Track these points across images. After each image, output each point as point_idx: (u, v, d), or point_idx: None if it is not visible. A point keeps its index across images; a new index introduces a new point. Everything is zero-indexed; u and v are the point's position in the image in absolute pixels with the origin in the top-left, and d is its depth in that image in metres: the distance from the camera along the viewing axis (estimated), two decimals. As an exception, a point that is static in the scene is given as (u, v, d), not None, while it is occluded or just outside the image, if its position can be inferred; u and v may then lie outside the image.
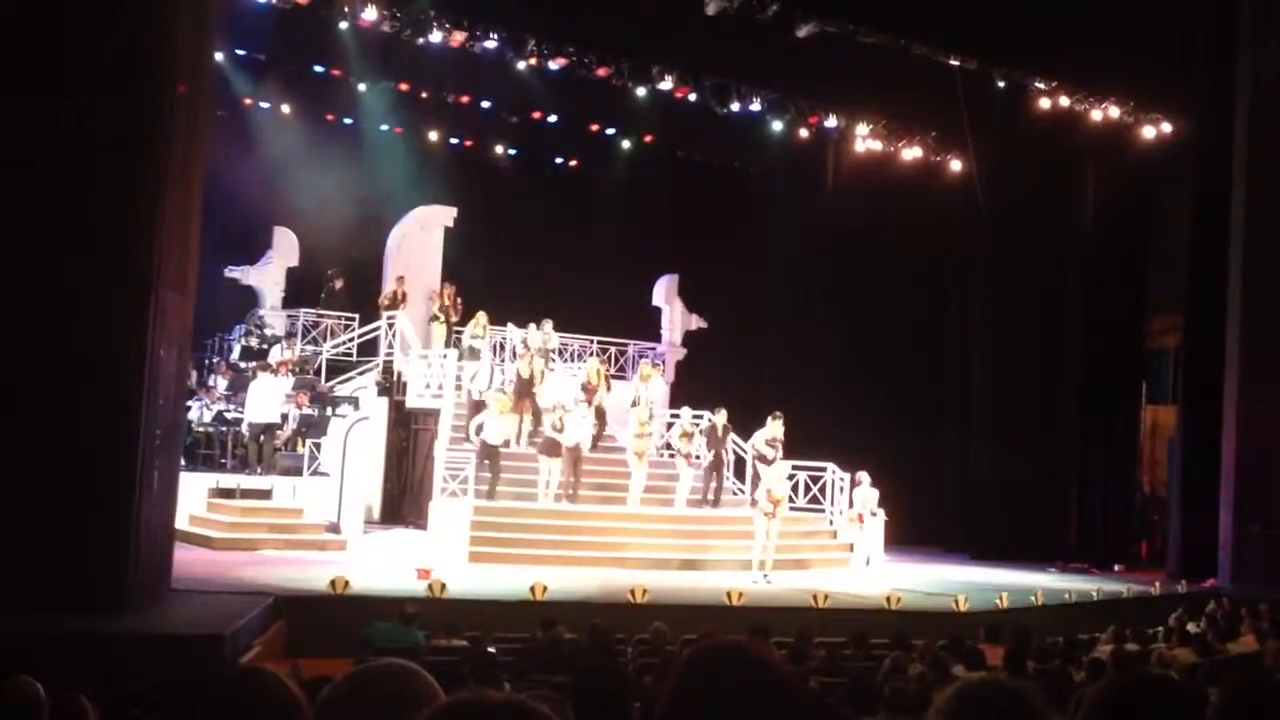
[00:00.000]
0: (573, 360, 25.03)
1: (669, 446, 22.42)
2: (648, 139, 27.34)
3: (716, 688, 2.36)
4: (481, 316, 23.18)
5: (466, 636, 12.04)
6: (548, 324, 23.89)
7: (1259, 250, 22.85)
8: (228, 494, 19.22)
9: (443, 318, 23.94)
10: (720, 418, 21.76)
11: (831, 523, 21.51)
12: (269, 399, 20.36)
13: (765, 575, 18.50)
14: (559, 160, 28.31)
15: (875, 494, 20.66)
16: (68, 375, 11.50)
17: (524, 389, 21.60)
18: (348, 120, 25.45)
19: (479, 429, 19.93)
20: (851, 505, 20.99)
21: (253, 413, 20.31)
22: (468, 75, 23.47)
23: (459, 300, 24.20)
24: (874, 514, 20.67)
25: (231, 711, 2.52)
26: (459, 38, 21.59)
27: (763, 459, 20.83)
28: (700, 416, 22.43)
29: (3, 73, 11.59)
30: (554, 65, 22.57)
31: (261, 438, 20.26)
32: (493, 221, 25.74)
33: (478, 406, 20.85)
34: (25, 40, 11.62)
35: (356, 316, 24.25)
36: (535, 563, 17.55)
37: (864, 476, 20.85)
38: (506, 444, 20.40)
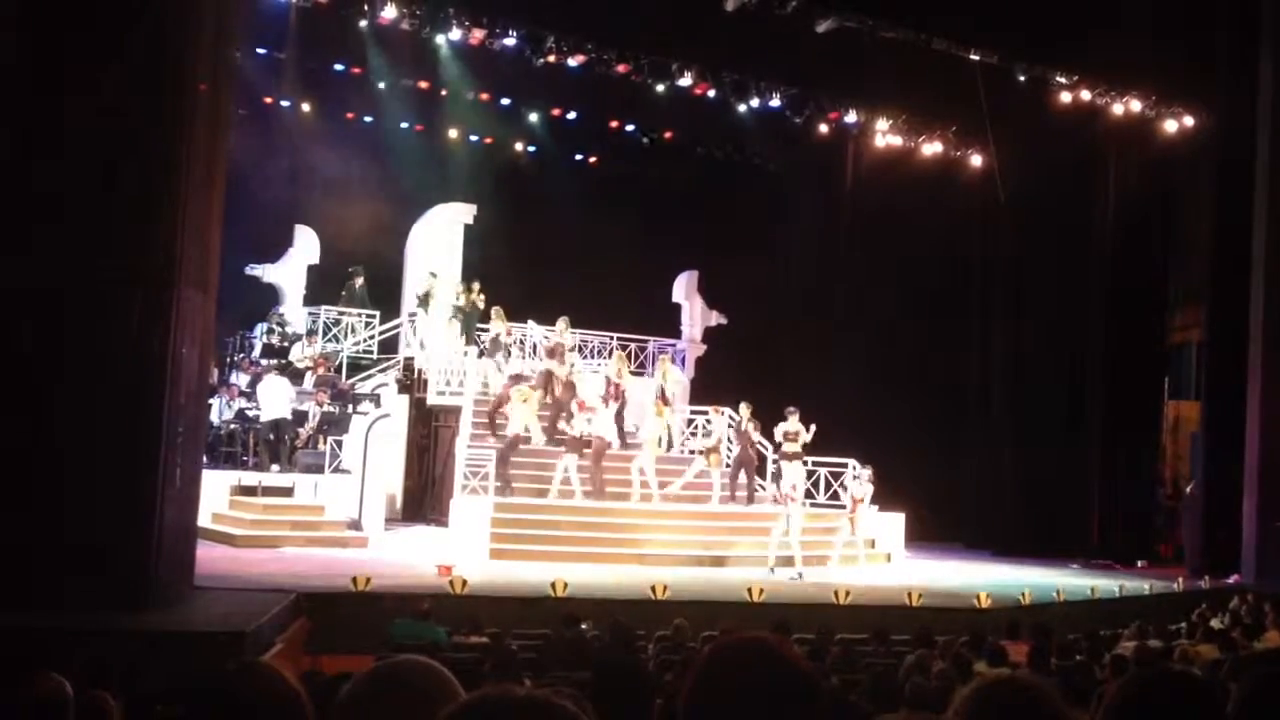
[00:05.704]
0: (593, 357, 25.05)
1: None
2: (667, 135, 27.35)
3: (737, 684, 2.36)
4: (497, 311, 23.20)
5: (488, 633, 12.07)
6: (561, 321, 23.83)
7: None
8: (250, 491, 19.30)
9: (464, 314, 24.00)
10: (744, 413, 21.76)
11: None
12: (276, 396, 20.43)
13: (799, 573, 18.48)
14: (579, 157, 28.35)
15: (869, 487, 20.46)
16: (91, 373, 11.55)
17: (547, 384, 21.64)
18: (368, 118, 25.52)
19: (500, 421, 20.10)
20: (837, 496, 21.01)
21: (264, 410, 20.42)
22: (487, 72, 23.50)
23: (484, 298, 24.20)
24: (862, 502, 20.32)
25: (231, 707, 2.53)
26: (478, 35, 21.64)
27: (785, 455, 20.84)
28: (722, 412, 22.44)
29: (25, 71, 11.64)
30: (573, 62, 22.59)
31: (271, 436, 20.32)
32: (512, 218, 25.78)
33: (500, 400, 20.93)
34: (47, 39, 11.67)
35: (377, 314, 24.33)
36: (556, 559, 17.60)
37: (861, 470, 20.80)
38: (528, 438, 20.49)
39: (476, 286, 24.47)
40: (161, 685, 7.69)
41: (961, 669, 8.88)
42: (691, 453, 22.46)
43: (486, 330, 23.53)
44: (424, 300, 23.98)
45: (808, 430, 20.98)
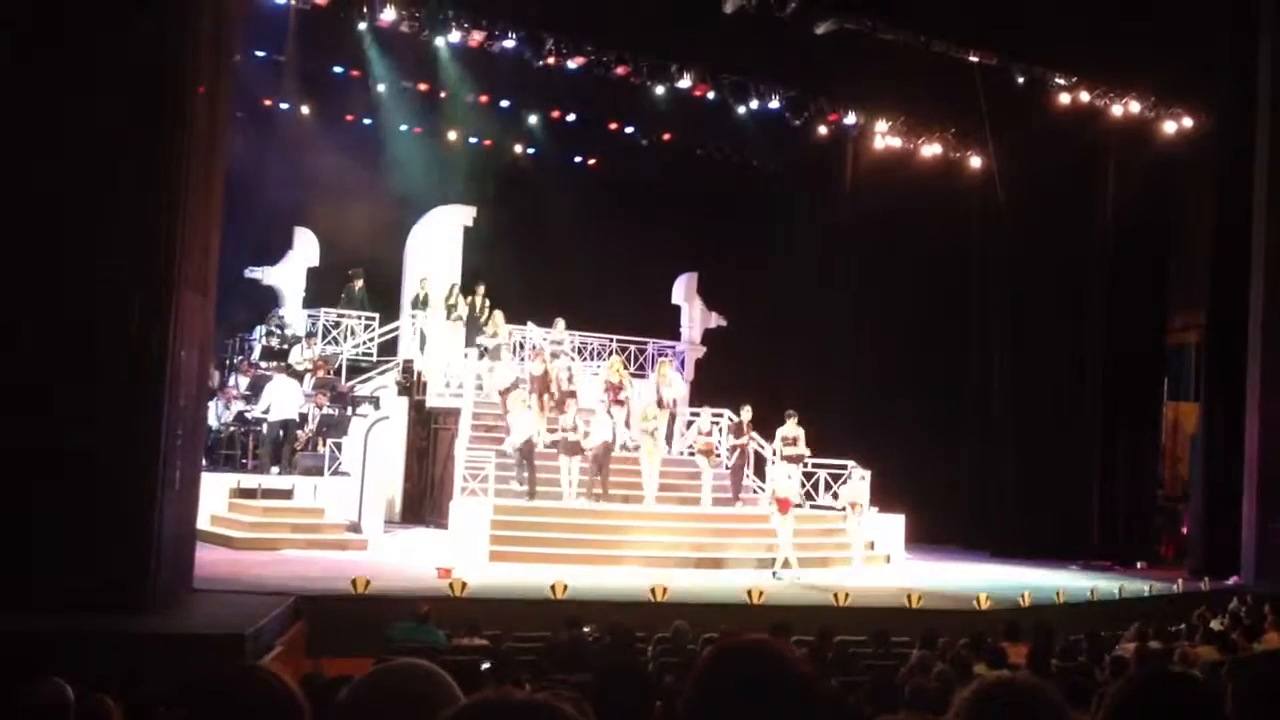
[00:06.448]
0: (593, 359, 25.06)
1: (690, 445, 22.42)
2: (666, 137, 27.34)
3: (738, 686, 2.37)
4: (498, 315, 23.23)
5: (487, 635, 12.06)
6: (559, 323, 23.89)
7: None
8: (249, 494, 19.28)
9: (465, 316, 24.04)
10: (745, 415, 21.78)
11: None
12: (285, 397, 20.44)
13: (775, 573, 18.51)
14: (578, 159, 28.33)
15: (864, 487, 20.52)
16: (91, 374, 11.55)
17: (541, 386, 21.67)
18: (367, 121, 25.49)
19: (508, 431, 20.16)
20: (837, 497, 21.03)
21: (271, 411, 20.41)
22: (486, 75, 23.49)
23: (487, 301, 24.26)
24: (859, 509, 20.34)
25: (229, 711, 2.53)
26: (478, 37, 21.64)
27: (786, 458, 20.86)
28: (720, 414, 22.49)
29: (24, 72, 11.64)
30: (572, 64, 22.59)
31: (280, 435, 20.33)
32: (512, 221, 25.77)
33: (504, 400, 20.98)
34: (46, 40, 11.67)
35: (376, 316, 24.29)
36: (556, 561, 17.58)
37: (855, 472, 20.83)
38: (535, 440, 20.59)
39: (481, 289, 24.51)
40: (161, 688, 7.69)
41: (961, 670, 8.88)
42: (692, 454, 22.43)
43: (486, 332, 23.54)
44: (420, 302, 24.00)
45: (804, 440, 21.01)
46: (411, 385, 23.09)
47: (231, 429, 20.71)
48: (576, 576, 15.98)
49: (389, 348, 23.94)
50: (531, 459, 20.14)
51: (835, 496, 21.48)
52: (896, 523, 21.98)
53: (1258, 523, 22.43)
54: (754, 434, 21.87)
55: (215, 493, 18.40)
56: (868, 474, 20.73)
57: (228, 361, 22.50)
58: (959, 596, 17.53)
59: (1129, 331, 25.51)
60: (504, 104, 25.61)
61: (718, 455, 21.92)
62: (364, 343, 23.99)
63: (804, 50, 22.16)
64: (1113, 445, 25.44)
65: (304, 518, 19.21)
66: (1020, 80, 23.63)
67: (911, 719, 7.04)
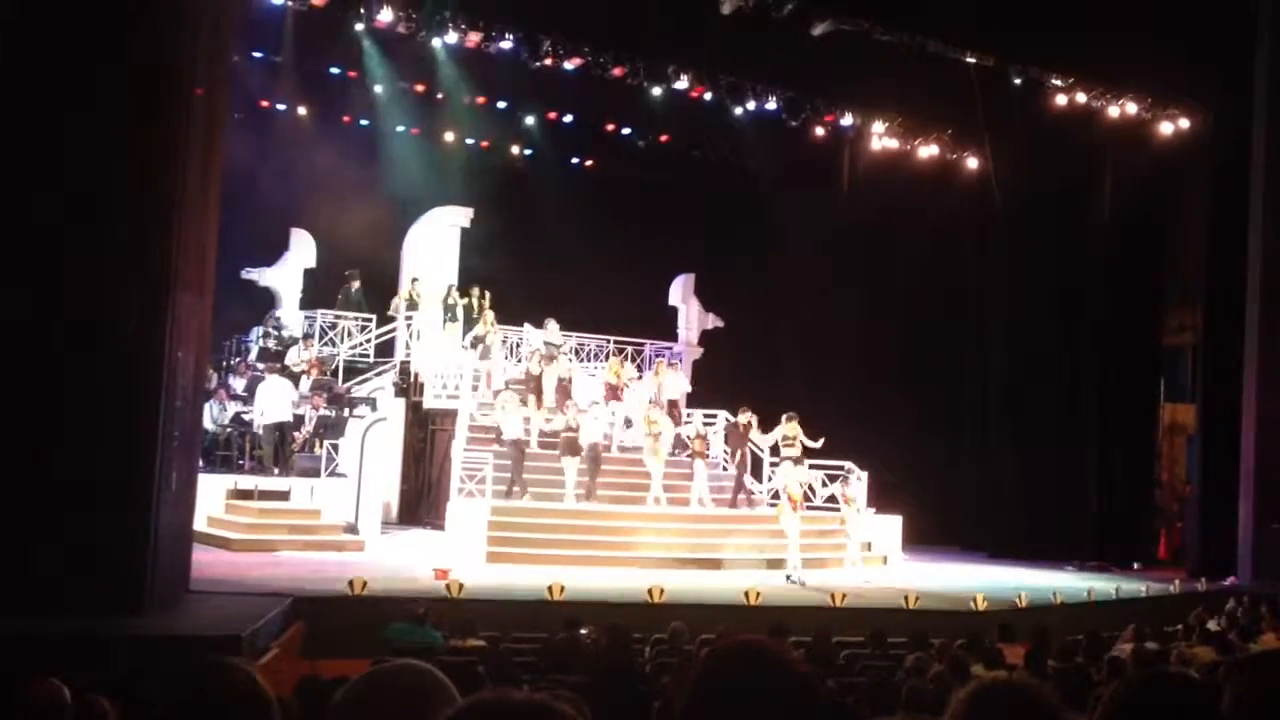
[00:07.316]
0: (590, 360, 25.05)
1: (684, 446, 22.42)
2: (663, 139, 27.35)
3: (736, 687, 2.37)
4: (489, 314, 23.23)
5: (484, 637, 12.05)
6: (552, 323, 23.90)
7: (1278, 245, 22.76)
8: (246, 495, 19.27)
9: (462, 317, 24.07)
10: (743, 418, 21.79)
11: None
12: (277, 399, 20.42)
13: (789, 577, 18.46)
14: (575, 160, 28.32)
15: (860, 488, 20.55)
16: (90, 375, 11.54)
17: (533, 385, 21.66)
18: (364, 122, 25.50)
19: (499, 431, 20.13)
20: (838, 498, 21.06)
21: (265, 414, 20.39)
22: (484, 76, 23.49)
23: (485, 303, 24.28)
24: (856, 509, 20.35)
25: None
26: (475, 39, 21.65)
27: (787, 459, 20.84)
28: (714, 416, 22.49)
29: (24, 73, 11.64)
30: (569, 65, 22.60)
31: (278, 435, 20.31)
32: (509, 222, 25.74)
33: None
34: (46, 41, 11.67)
35: (374, 317, 24.30)
36: (553, 562, 17.57)
37: (852, 474, 20.85)
38: (526, 439, 20.55)
39: (477, 291, 24.49)
40: (158, 690, 7.68)
41: (958, 671, 8.88)
42: (687, 456, 22.44)
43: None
44: (411, 304, 24.01)
45: (812, 438, 21.00)
46: (409, 386, 23.09)
47: (228, 430, 20.69)
48: (574, 577, 15.97)
49: (386, 349, 23.94)
50: (518, 456, 20.11)
51: (832, 499, 21.49)
52: (894, 523, 22.00)
53: (1254, 523, 22.44)
54: (752, 435, 21.84)
55: (212, 494, 18.40)
56: (864, 475, 20.73)
57: (225, 363, 22.49)
58: (956, 597, 17.52)
59: (1125, 332, 25.51)
60: (501, 105, 25.61)
61: (708, 456, 21.92)
62: (361, 344, 23.99)
63: (801, 51, 22.15)
64: (1110, 446, 25.43)
65: (301, 519, 19.19)
66: (1017, 81, 23.63)
67: (908, 720, 7.04)
